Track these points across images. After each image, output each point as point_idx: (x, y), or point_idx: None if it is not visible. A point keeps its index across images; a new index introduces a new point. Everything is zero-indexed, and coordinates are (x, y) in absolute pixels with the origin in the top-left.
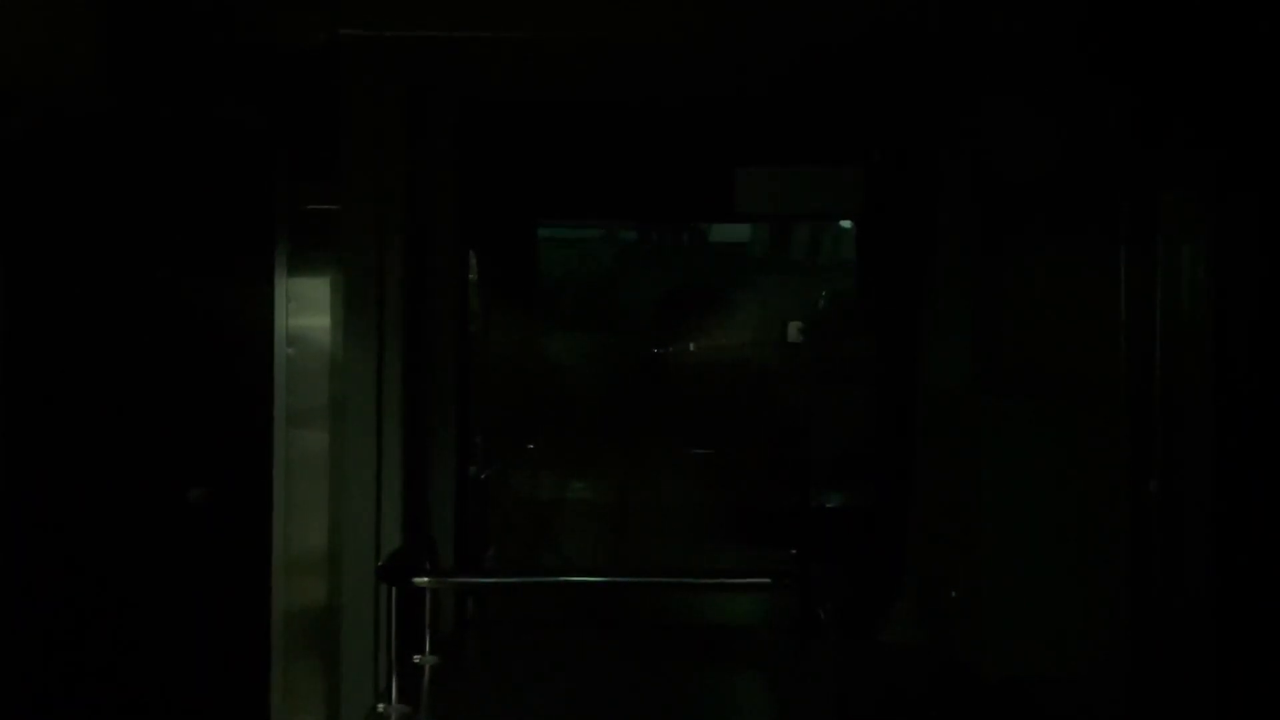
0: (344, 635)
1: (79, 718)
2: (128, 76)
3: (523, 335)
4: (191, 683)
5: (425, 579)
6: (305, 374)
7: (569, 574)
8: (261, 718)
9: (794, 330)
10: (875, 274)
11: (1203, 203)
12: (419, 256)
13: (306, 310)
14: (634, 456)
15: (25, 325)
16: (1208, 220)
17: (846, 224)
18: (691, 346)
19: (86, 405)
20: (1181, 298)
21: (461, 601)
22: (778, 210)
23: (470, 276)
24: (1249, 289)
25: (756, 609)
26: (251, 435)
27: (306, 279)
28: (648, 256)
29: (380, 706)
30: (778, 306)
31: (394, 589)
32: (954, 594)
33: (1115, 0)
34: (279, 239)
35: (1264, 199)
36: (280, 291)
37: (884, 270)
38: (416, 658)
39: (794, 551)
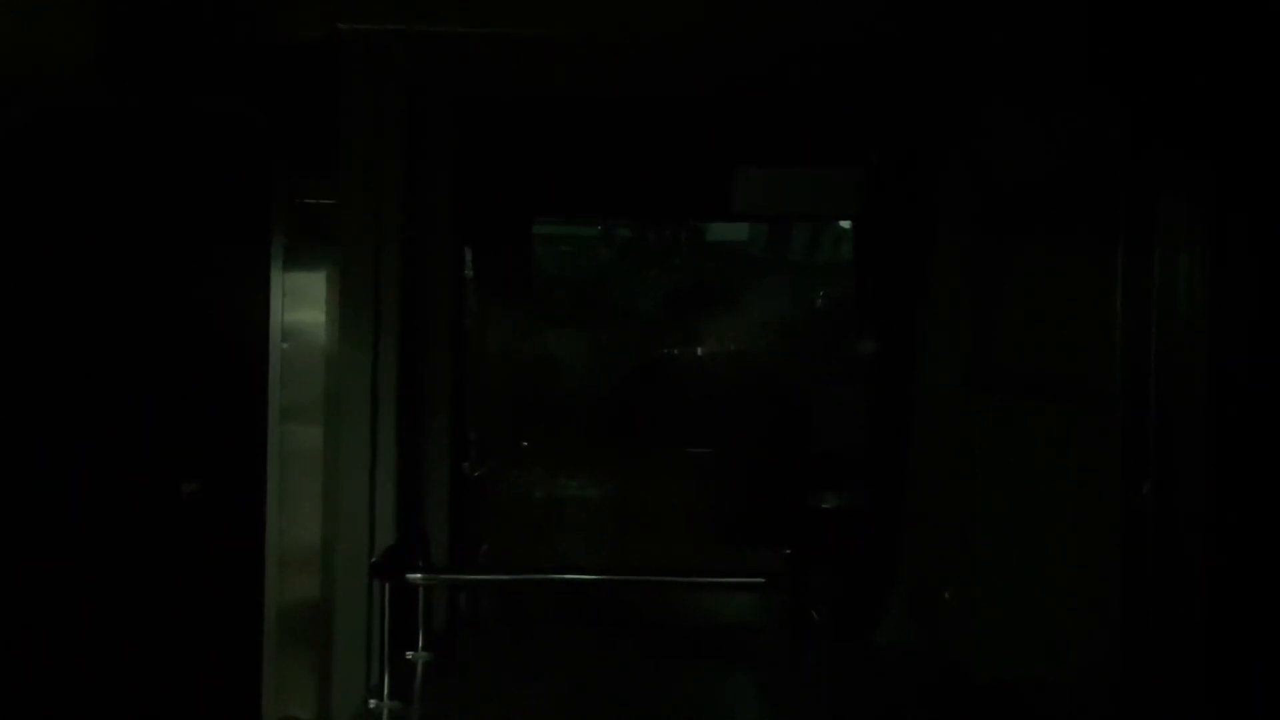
0: (337, 631)
1: (70, 712)
2: (124, 70)
3: (518, 332)
4: (183, 677)
5: (418, 575)
6: (300, 369)
7: (563, 572)
8: (253, 712)
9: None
10: (873, 275)
11: (1200, 208)
12: (415, 252)
13: (302, 305)
14: (629, 454)
15: (17, 317)
16: (1205, 225)
17: (846, 224)
18: (687, 345)
19: (79, 398)
20: (1178, 302)
21: (455, 598)
22: (776, 210)
23: (466, 273)
24: (1245, 294)
25: (750, 608)
26: (245, 429)
27: (302, 274)
28: (644, 255)
29: (372, 702)
30: (775, 306)
31: (387, 585)
32: (948, 595)
33: (1115, 7)
34: (275, 234)
35: (1261, 205)
36: (276, 286)
37: (881, 271)
38: (409, 654)
39: (788, 551)
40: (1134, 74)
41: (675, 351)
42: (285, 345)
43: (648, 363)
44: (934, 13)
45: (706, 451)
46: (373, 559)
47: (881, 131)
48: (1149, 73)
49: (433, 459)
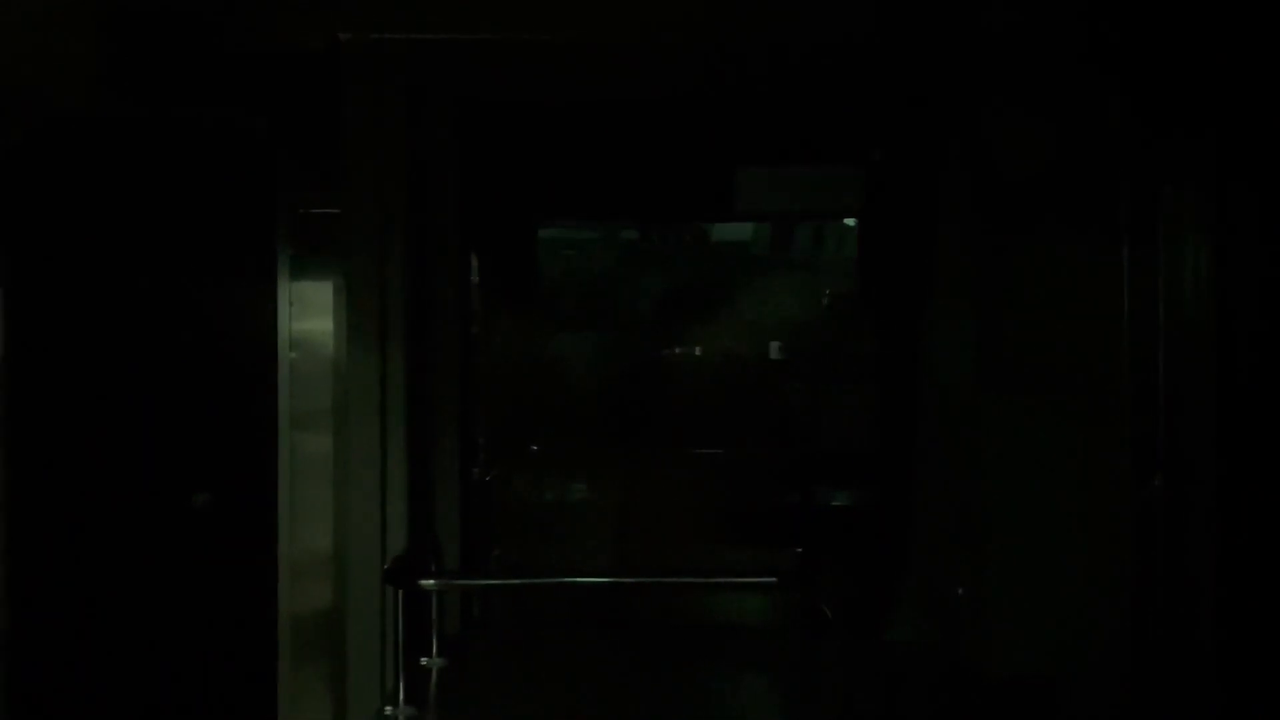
0: (350, 638)
1: None
2: (127, 82)
3: (525, 336)
4: (199, 687)
5: (431, 581)
6: (308, 377)
7: (574, 575)
8: None
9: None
10: (877, 272)
11: (1204, 196)
12: (421, 259)
13: (309, 314)
14: (638, 456)
15: (29, 331)
16: (1209, 214)
17: (850, 221)
18: (694, 346)
19: (90, 411)
20: (1184, 292)
21: (467, 603)
22: (778, 209)
23: (472, 278)
24: (1251, 283)
25: (762, 608)
26: (255, 439)
27: (309, 283)
28: (649, 256)
29: (388, 709)
30: (781, 305)
31: (400, 592)
32: (960, 592)
33: None
34: (281, 243)
35: (1265, 192)
36: (283, 295)
37: (886, 268)
38: (424, 660)
39: (799, 550)
40: (1133, 62)
41: (682, 352)
42: (293, 354)
43: (655, 364)
44: (932, 7)
45: (716, 452)
46: (385, 566)
47: (883, 128)
48: (1148, 61)
49: (442, 464)
